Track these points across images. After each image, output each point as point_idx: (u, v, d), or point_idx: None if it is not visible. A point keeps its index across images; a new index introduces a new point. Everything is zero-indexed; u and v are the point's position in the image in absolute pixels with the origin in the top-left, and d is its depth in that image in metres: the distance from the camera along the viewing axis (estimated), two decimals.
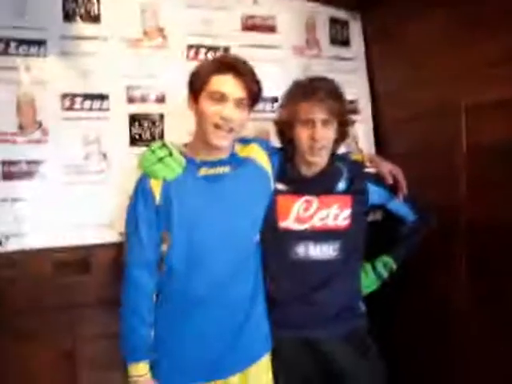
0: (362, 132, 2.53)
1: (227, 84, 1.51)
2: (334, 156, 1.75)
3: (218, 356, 1.59)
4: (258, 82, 1.58)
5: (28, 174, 1.95)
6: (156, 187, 1.55)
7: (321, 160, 1.67)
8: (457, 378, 2.01)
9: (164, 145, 1.60)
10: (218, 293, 1.57)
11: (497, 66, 1.78)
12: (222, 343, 1.59)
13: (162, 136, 2.13)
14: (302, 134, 1.63)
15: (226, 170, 1.62)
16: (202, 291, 1.56)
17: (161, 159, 1.55)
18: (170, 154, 1.57)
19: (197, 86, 1.56)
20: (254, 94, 1.56)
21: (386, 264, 1.82)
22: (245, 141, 1.76)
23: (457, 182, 1.99)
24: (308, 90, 1.64)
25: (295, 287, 1.67)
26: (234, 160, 1.65)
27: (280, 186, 1.71)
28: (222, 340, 1.59)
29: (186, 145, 1.68)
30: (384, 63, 2.51)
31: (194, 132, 1.65)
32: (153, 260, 1.56)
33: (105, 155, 2.05)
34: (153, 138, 2.10)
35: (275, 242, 1.69)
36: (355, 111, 2.52)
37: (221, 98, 1.51)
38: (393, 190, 1.74)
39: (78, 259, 2.01)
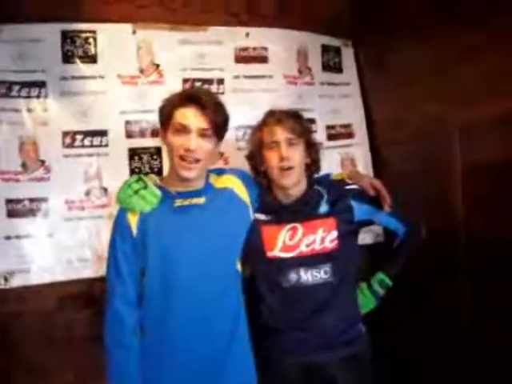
0: (359, 155, 2.57)
1: (189, 116, 1.53)
2: (311, 180, 1.76)
3: None
4: (222, 112, 1.59)
5: (31, 212, 2.01)
6: (133, 220, 1.56)
7: (292, 182, 1.66)
8: None
9: (140, 178, 1.62)
10: (196, 326, 1.55)
11: (489, 84, 1.81)
12: (204, 379, 1.56)
13: (160, 168, 2.18)
14: (270, 157, 1.65)
15: (201, 200, 1.62)
16: (181, 325, 1.54)
17: (136, 192, 1.56)
18: (145, 187, 1.58)
19: (163, 120, 1.60)
20: (217, 124, 1.57)
21: (381, 282, 1.80)
22: (220, 171, 1.78)
23: (454, 201, 2.00)
24: (267, 115, 1.71)
25: (290, 314, 1.66)
26: (209, 191, 1.66)
27: (262, 217, 1.72)
28: (203, 376, 1.56)
29: (161, 178, 1.71)
30: (377, 88, 2.55)
31: (169, 165, 1.68)
32: (133, 294, 1.55)
33: (106, 190, 2.11)
34: (152, 171, 2.15)
35: (266, 271, 1.69)
36: (350, 135, 2.56)
37: (184, 129, 1.53)
38: (377, 203, 1.73)
39: (81, 293, 2.05)
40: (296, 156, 1.64)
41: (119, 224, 1.58)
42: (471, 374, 1.92)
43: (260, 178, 1.75)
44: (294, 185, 1.67)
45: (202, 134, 1.54)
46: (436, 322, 2.12)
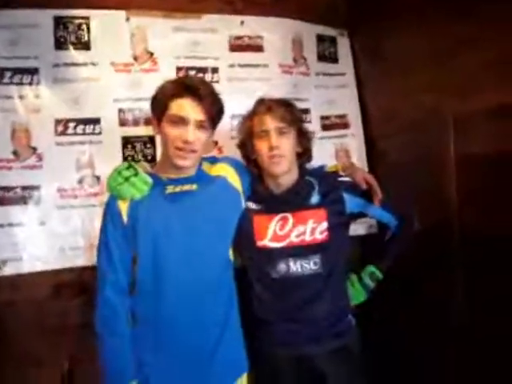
0: (354, 146, 2.56)
1: (186, 108, 1.51)
2: (303, 170, 1.75)
3: (190, 380, 1.57)
4: (218, 103, 1.59)
5: (23, 199, 2.00)
6: (123, 207, 1.55)
7: (282, 171, 1.65)
8: None
9: (130, 165, 1.61)
10: (187, 314, 1.55)
11: (485, 75, 1.80)
12: (195, 367, 1.56)
13: (154, 157, 2.17)
14: (260, 146, 1.64)
15: (193, 187, 1.61)
16: (172, 313, 1.54)
17: (127, 179, 1.56)
18: (136, 174, 1.57)
19: (158, 110, 1.57)
20: (213, 115, 1.57)
21: (372, 274, 1.80)
22: (213, 160, 1.78)
23: (447, 192, 2.00)
24: (257, 104, 1.70)
25: (279, 305, 1.66)
26: (202, 178, 1.65)
27: (253, 206, 1.72)
28: (195, 363, 1.56)
29: (152, 166, 1.70)
30: (373, 78, 2.54)
31: (161, 152, 1.68)
32: (124, 282, 1.55)
33: (98, 178, 2.09)
34: (145, 160, 2.14)
35: (256, 261, 1.69)
36: (346, 125, 2.56)
37: (181, 121, 1.52)
38: (369, 196, 1.73)
39: (74, 281, 2.04)
40: (286, 145, 1.64)
41: (110, 211, 1.57)
42: (463, 367, 1.93)
43: (251, 166, 1.74)
44: (284, 173, 1.66)
45: (200, 125, 1.53)
46: (428, 315, 2.13)
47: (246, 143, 1.71)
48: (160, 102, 1.56)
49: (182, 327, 1.55)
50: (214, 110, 1.57)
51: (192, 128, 1.52)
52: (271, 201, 1.71)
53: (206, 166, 1.71)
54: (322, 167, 1.83)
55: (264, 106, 1.67)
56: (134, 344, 1.54)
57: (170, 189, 1.60)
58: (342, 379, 1.65)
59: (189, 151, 1.53)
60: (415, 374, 2.19)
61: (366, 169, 2.50)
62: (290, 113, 1.66)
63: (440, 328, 2.06)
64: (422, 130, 2.15)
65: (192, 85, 1.54)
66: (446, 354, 2.03)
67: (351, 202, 1.71)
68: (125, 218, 1.55)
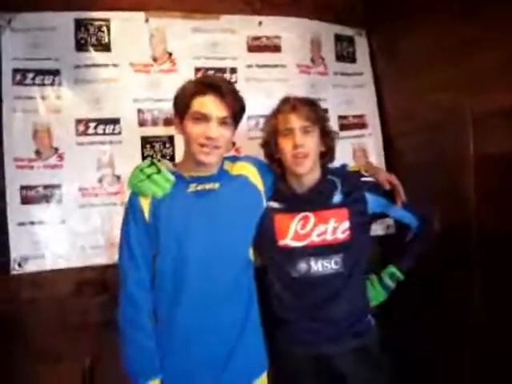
0: (372, 145, 2.55)
1: (209, 105, 1.52)
2: (326, 170, 1.74)
3: (213, 379, 1.56)
4: (239, 100, 1.59)
5: (45, 198, 2.04)
6: (145, 205, 1.55)
7: (306, 170, 1.64)
8: None
9: (153, 163, 1.61)
10: (206, 314, 1.55)
11: (503, 74, 1.78)
12: (213, 368, 1.56)
13: (172, 157, 2.19)
14: (284, 145, 1.64)
15: (215, 186, 1.61)
16: (192, 312, 1.54)
17: (149, 176, 1.55)
18: (159, 172, 1.57)
19: (180, 109, 1.58)
20: (236, 112, 1.57)
21: (392, 275, 1.79)
22: (235, 158, 1.78)
23: (466, 192, 1.98)
24: (282, 103, 1.70)
25: (299, 304, 1.66)
26: (224, 177, 1.65)
27: (275, 205, 1.71)
28: (214, 361, 1.57)
29: (175, 164, 1.70)
30: (390, 77, 2.54)
31: (183, 152, 1.68)
32: (147, 278, 1.55)
33: (118, 177, 2.12)
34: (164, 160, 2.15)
35: (276, 260, 1.69)
36: (363, 125, 2.55)
37: (204, 118, 1.52)
38: (391, 197, 1.72)
39: (95, 279, 2.07)
40: (310, 144, 1.63)
41: (131, 208, 1.58)
42: (480, 367, 1.91)
43: (274, 165, 1.74)
44: (307, 172, 1.66)
45: (222, 122, 1.54)
46: (446, 315, 2.11)
47: (270, 142, 1.71)
48: (182, 101, 1.57)
49: (200, 325, 1.55)
50: (237, 107, 1.57)
51: (215, 125, 1.52)
52: (293, 200, 1.70)
53: (227, 165, 1.71)
54: (344, 166, 1.82)
55: (289, 104, 1.67)
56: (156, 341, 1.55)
57: (192, 187, 1.59)
58: (361, 379, 1.64)
59: (212, 147, 1.53)
60: (433, 374, 2.18)
61: (384, 168, 2.49)
62: (315, 112, 1.66)
63: (458, 327, 2.04)
64: (439, 129, 2.13)
65: (213, 82, 1.55)
66: (463, 353, 2.01)
67: (373, 202, 1.70)
68: (147, 215, 1.55)
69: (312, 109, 1.66)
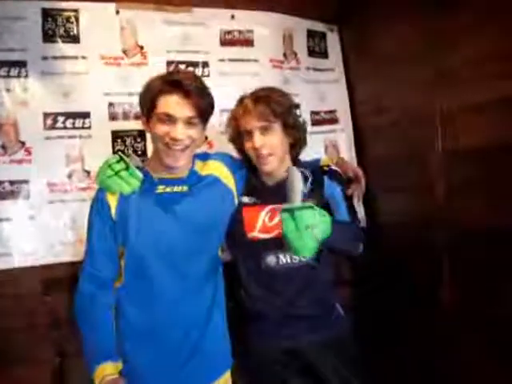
0: (343, 140, 2.58)
1: (174, 105, 1.47)
2: (298, 162, 1.73)
3: (174, 375, 1.55)
4: (207, 98, 1.54)
5: (12, 194, 1.98)
6: (112, 201, 1.53)
7: (272, 168, 1.63)
8: (439, 377, 2.03)
9: (121, 158, 1.56)
10: (174, 308, 1.55)
11: (472, 69, 1.81)
12: (177, 360, 1.56)
13: (144, 151, 2.16)
14: (247, 146, 1.64)
15: (184, 189, 1.59)
16: (158, 306, 1.54)
17: (117, 173, 1.52)
18: (127, 168, 1.53)
19: (146, 108, 1.53)
20: (203, 111, 1.52)
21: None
22: (206, 157, 1.74)
23: (434, 186, 2.02)
24: (238, 104, 1.67)
25: (268, 297, 1.66)
26: (193, 179, 1.62)
27: (245, 199, 1.70)
28: (176, 357, 1.56)
29: (144, 160, 1.67)
30: (361, 72, 2.56)
31: (152, 149, 1.65)
32: (106, 274, 1.54)
33: (88, 173, 2.08)
34: (135, 154, 2.10)
35: (245, 253, 1.69)
36: (335, 120, 2.58)
37: (169, 119, 1.48)
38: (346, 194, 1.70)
39: (64, 276, 2.01)
40: (273, 141, 1.60)
41: (97, 203, 1.55)
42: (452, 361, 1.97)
43: (245, 159, 1.73)
44: (274, 170, 1.65)
45: (188, 122, 1.49)
46: (416, 297, 2.16)
47: (236, 141, 1.71)
48: (147, 100, 1.52)
49: (164, 324, 1.55)
50: (203, 106, 1.51)
51: (181, 126, 1.48)
52: (263, 193, 1.69)
53: (198, 165, 1.67)
54: (317, 160, 1.81)
55: (242, 106, 1.63)
56: (121, 337, 1.54)
57: (160, 189, 1.58)
58: (333, 370, 1.65)
59: (179, 150, 1.50)
60: (401, 352, 2.23)
61: (355, 163, 2.52)
62: (271, 108, 1.58)
63: (425, 310, 2.10)
64: (410, 123, 2.17)
65: (179, 80, 1.49)
66: (433, 332, 2.06)
67: (328, 187, 1.67)
68: (113, 212, 1.52)
69: (267, 105, 1.58)
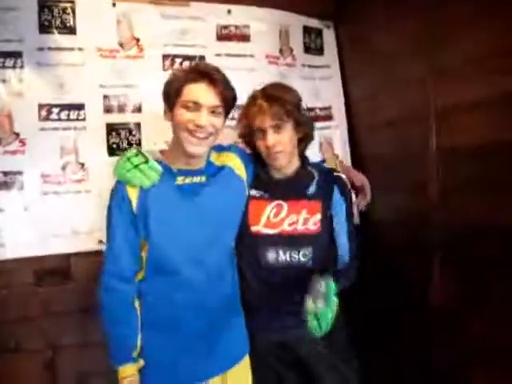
0: (337, 137, 2.59)
1: (200, 92, 1.50)
2: (305, 159, 1.78)
3: (197, 360, 1.58)
4: (231, 89, 1.58)
5: (5, 185, 1.97)
6: (133, 194, 1.52)
7: (282, 164, 1.67)
8: (435, 375, 2.04)
9: (140, 152, 1.58)
10: (196, 301, 1.56)
11: (466, 69, 1.82)
12: (201, 347, 1.59)
13: (139, 145, 2.16)
14: (258, 143, 1.67)
15: (202, 179, 1.62)
16: (181, 298, 1.55)
17: (136, 166, 1.52)
18: (146, 162, 1.54)
19: (171, 96, 1.55)
20: (227, 101, 1.56)
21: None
22: (220, 148, 1.77)
23: (429, 183, 2.02)
24: (250, 101, 1.68)
25: (266, 292, 1.68)
26: (210, 169, 1.65)
27: (253, 192, 1.72)
28: (201, 344, 1.59)
29: (162, 152, 1.67)
30: (357, 70, 2.57)
31: (170, 141, 1.66)
32: (128, 268, 1.54)
33: (83, 165, 2.08)
34: (130, 147, 2.11)
35: (247, 246, 1.70)
36: (330, 117, 2.59)
37: (195, 106, 1.50)
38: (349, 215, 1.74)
39: (57, 268, 2.02)
40: (284, 139, 1.63)
41: (118, 198, 1.54)
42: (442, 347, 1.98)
43: (255, 153, 1.75)
44: (284, 165, 1.69)
45: (213, 110, 1.52)
46: (408, 297, 2.17)
47: (246, 137, 1.73)
48: (173, 88, 1.54)
49: (189, 312, 1.57)
50: (228, 96, 1.56)
51: (205, 113, 1.51)
52: (271, 186, 1.72)
53: (213, 156, 1.70)
54: (322, 161, 1.86)
55: (256, 106, 1.64)
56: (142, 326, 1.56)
57: (179, 180, 1.59)
58: (325, 366, 1.68)
59: (202, 137, 1.52)
60: (395, 352, 2.25)
61: (349, 160, 2.54)
62: (284, 106, 1.62)
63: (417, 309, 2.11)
64: (406, 122, 2.17)
65: (206, 70, 1.54)
66: (425, 332, 2.07)
67: (338, 203, 1.71)
68: (134, 205, 1.52)
69: (281, 104, 1.62)
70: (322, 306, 1.47)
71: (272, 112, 1.61)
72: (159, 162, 1.58)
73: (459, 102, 1.86)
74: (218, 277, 1.62)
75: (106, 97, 2.13)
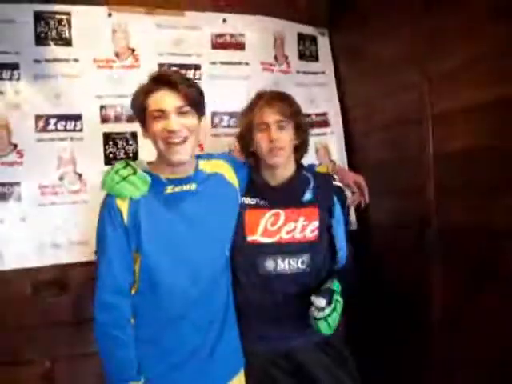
0: (334, 143, 2.60)
1: (162, 99, 1.49)
2: (300, 165, 1.79)
3: (192, 375, 1.56)
4: (192, 85, 1.56)
5: (3, 196, 1.98)
6: (123, 207, 1.50)
7: (280, 162, 1.68)
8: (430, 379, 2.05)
9: (128, 164, 1.56)
10: (190, 312, 1.55)
11: (459, 75, 1.83)
12: (196, 363, 1.56)
13: (135, 154, 2.17)
14: (260, 139, 1.66)
15: (192, 187, 1.59)
16: (174, 312, 1.54)
17: (125, 178, 1.50)
18: (134, 173, 1.52)
19: (139, 112, 1.55)
20: (192, 98, 1.53)
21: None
22: (209, 157, 1.76)
23: (426, 189, 2.02)
24: (258, 97, 1.72)
25: (264, 301, 1.67)
26: (199, 177, 1.63)
27: (248, 200, 1.72)
28: (194, 360, 1.56)
29: (149, 163, 1.66)
30: (352, 76, 2.58)
31: (156, 154, 1.62)
32: (124, 282, 1.51)
33: (80, 175, 2.09)
34: (127, 157, 2.14)
35: (244, 256, 1.69)
36: (326, 123, 2.60)
37: (162, 114, 1.49)
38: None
39: (54, 279, 2.02)
40: (285, 137, 1.66)
41: (109, 211, 1.51)
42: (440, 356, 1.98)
43: (250, 158, 1.76)
44: (281, 164, 1.69)
45: (180, 111, 1.50)
46: (405, 307, 2.17)
47: (246, 135, 1.73)
48: (137, 104, 1.54)
49: (184, 325, 1.55)
50: (191, 94, 1.52)
51: (174, 116, 1.49)
52: (266, 194, 1.72)
53: (202, 164, 1.68)
54: (313, 166, 1.87)
55: (264, 99, 1.68)
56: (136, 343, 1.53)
57: (169, 189, 1.57)
58: (324, 369, 1.68)
59: (178, 142, 1.50)
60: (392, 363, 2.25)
61: (346, 166, 2.54)
62: (289, 107, 1.68)
63: (415, 319, 2.11)
64: (401, 127, 2.18)
65: (161, 76, 1.53)
66: (426, 342, 2.07)
67: (337, 212, 1.73)
68: (125, 217, 1.50)
69: (287, 103, 1.68)
70: (329, 307, 1.53)
71: (279, 108, 1.65)
72: (148, 173, 1.57)
73: (453, 108, 1.87)
74: (212, 288, 1.60)
75: (102, 107, 2.15)
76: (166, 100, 1.49)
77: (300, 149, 1.77)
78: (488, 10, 1.71)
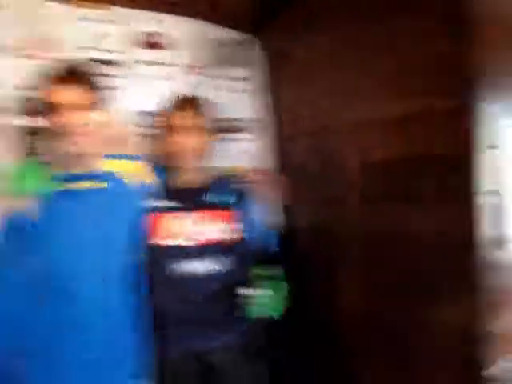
0: (257, 149, 2.64)
1: (57, 94, 1.48)
2: (212, 168, 1.83)
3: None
4: (83, 77, 1.56)
5: None
6: (23, 206, 1.46)
7: (191, 165, 1.74)
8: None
9: (25, 162, 1.56)
10: (80, 321, 1.49)
11: (384, 83, 1.88)
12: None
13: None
14: (172, 142, 1.72)
15: (90, 184, 1.56)
16: (64, 320, 1.48)
17: (22, 176, 1.50)
18: (31, 171, 1.52)
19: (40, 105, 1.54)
20: (84, 91, 1.52)
21: None
22: (113, 156, 1.72)
23: (349, 196, 2.08)
24: (172, 101, 1.78)
25: (179, 304, 1.66)
26: (102, 175, 1.60)
27: (158, 203, 1.71)
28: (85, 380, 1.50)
29: (48, 161, 1.61)
30: (278, 83, 2.61)
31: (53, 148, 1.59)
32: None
33: None
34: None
35: (156, 260, 1.67)
36: (250, 129, 2.64)
37: (59, 109, 1.47)
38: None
39: None
40: (197, 140, 1.72)
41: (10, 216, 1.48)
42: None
43: (162, 160, 1.78)
44: (193, 167, 1.74)
45: (74, 106, 1.49)
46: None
47: (159, 137, 1.78)
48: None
49: (67, 333, 1.50)
50: (83, 86, 1.52)
51: (69, 112, 1.47)
52: (178, 197, 1.73)
53: (106, 163, 1.66)
54: (227, 168, 1.93)
55: (179, 103, 1.75)
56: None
57: (66, 185, 1.54)
58: (236, 376, 1.71)
59: (80, 135, 1.49)
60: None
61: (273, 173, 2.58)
62: (202, 112, 1.77)
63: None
64: (325, 134, 2.23)
65: (60, 72, 1.52)
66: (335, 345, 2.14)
67: (250, 212, 1.79)
68: (20, 217, 1.46)
69: (200, 108, 1.77)
70: (261, 292, 1.68)
71: (192, 112, 1.74)
72: (45, 170, 1.54)
73: (379, 117, 1.92)
74: (109, 294, 1.56)
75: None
76: (62, 95, 1.48)
77: (212, 152, 1.81)
78: (398, 28, 1.78)
